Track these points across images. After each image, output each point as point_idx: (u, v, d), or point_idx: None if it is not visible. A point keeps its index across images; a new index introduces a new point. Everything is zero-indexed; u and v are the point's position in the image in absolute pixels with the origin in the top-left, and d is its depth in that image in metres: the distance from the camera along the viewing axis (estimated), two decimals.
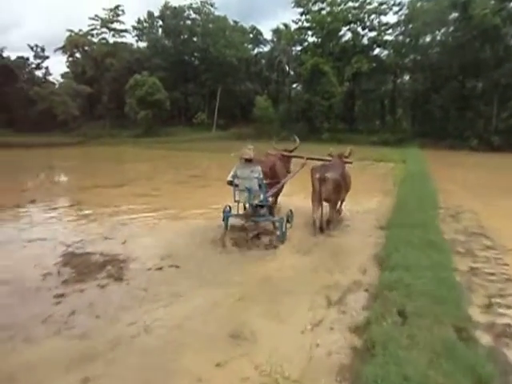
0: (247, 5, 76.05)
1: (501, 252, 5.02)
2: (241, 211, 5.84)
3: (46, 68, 53.82)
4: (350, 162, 6.94)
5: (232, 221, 5.80)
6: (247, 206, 5.81)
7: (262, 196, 5.38)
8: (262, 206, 5.64)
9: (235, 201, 5.63)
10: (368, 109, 45.89)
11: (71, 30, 46.49)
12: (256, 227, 5.73)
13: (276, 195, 6.82)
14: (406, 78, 41.87)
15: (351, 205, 7.95)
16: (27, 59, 52.30)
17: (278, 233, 5.36)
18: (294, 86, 47.50)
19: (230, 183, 5.56)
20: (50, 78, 53.33)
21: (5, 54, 46.62)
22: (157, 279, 4.01)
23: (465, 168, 17.46)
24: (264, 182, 5.33)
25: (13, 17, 78.57)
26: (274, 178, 6.11)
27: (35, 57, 52.51)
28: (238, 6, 73.85)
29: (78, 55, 50.81)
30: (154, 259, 4.54)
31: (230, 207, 5.91)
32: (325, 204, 6.02)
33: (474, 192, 10.31)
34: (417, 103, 36.74)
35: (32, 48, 51.63)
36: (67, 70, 52.91)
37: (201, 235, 5.53)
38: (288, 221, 5.71)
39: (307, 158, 7.00)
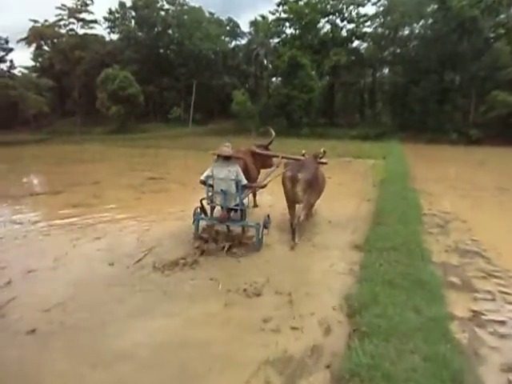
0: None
1: (506, 281, 3.91)
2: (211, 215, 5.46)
3: (11, 61, 51.01)
4: (325, 163, 6.49)
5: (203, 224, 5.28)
6: (219, 208, 5.26)
7: (237, 199, 4.99)
8: (236, 210, 5.15)
9: (208, 203, 5.22)
10: (347, 102, 45.03)
11: (35, 20, 43.71)
12: (229, 236, 5.13)
13: (253, 196, 6.83)
14: (386, 71, 41.23)
15: (323, 211, 6.87)
16: None
17: (254, 240, 4.94)
18: (274, 79, 46.09)
19: (204, 183, 5.12)
20: (17, 72, 50.74)
21: None
22: (18, 355, 2.68)
23: (446, 163, 16.59)
24: (244, 182, 4.98)
25: None
26: (246, 177, 5.39)
27: None
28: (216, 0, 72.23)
29: (46, 48, 48.05)
30: (36, 312, 3.21)
31: (200, 209, 5.32)
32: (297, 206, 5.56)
33: (459, 192, 9.33)
34: (396, 96, 35.99)
35: None
36: (36, 63, 50.13)
37: (120, 265, 4.27)
38: (265, 227, 5.20)
39: (282, 157, 6.48)
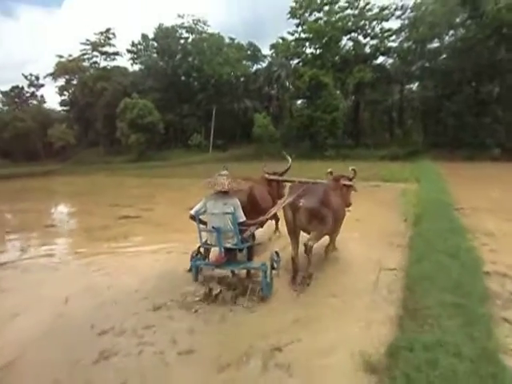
0: (252, 27, 75.34)
1: None
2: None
3: (41, 96, 53.11)
4: (351, 186, 5.72)
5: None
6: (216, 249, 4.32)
7: (235, 238, 4.11)
8: (238, 250, 4.31)
9: (202, 244, 4.40)
10: (374, 121, 42.42)
11: (60, 56, 45.10)
12: (233, 283, 4.29)
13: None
14: (414, 86, 38.52)
15: (326, 273, 4.60)
16: (22, 88, 51.78)
17: (262, 285, 4.02)
18: (299, 102, 44.13)
19: (194, 218, 4.31)
20: (46, 107, 52.80)
21: None
22: None
23: (492, 184, 13.50)
24: (241, 219, 4.10)
25: (30, 54, 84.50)
26: (254, 210, 4.79)
27: (29, 85, 51.95)
28: (243, 29, 73.96)
29: (74, 82, 49.29)
30: None
31: (200, 252, 4.63)
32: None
33: None
34: (428, 112, 33.20)
35: (26, 77, 50.97)
36: (62, 96, 51.61)
37: None
38: (273, 267, 4.29)
39: (299, 182, 5.61)
